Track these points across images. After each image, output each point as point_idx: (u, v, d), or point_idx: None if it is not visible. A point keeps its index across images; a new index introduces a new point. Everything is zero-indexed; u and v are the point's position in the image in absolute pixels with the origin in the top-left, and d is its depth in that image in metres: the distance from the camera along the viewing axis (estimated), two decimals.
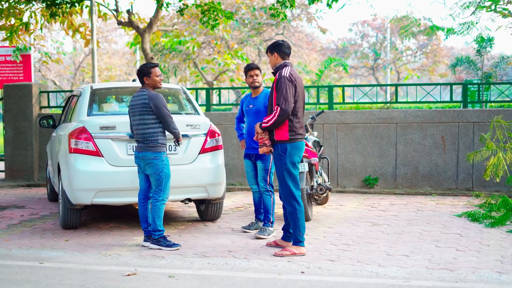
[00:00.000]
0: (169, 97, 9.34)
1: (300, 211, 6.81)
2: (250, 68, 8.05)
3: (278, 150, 6.83)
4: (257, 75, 8.03)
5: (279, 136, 6.79)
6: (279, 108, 6.66)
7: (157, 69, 7.39)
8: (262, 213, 8.14)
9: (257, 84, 8.04)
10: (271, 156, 7.90)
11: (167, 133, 7.37)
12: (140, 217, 7.45)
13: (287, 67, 6.89)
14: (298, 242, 6.86)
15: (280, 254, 6.81)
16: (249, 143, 8.07)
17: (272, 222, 7.98)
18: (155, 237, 7.24)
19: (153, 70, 7.31)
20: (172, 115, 7.40)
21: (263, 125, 6.82)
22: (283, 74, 6.78)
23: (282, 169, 6.81)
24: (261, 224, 8.11)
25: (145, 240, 7.42)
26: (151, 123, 7.20)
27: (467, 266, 6.24)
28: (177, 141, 7.42)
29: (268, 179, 8.00)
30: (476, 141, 10.98)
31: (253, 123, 7.92)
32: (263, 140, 6.90)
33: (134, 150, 7.84)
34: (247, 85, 23.95)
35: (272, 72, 7.04)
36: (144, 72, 7.30)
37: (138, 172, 7.43)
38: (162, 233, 7.25)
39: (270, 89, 7.20)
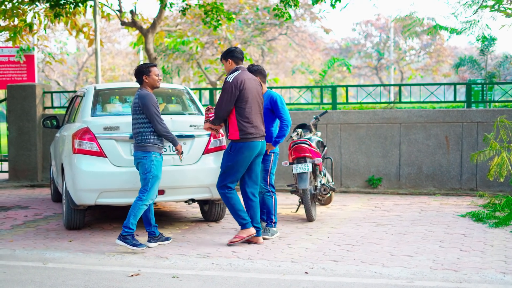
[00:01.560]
0: (172, 98, 9.34)
1: (232, 198, 7.35)
2: None
3: (229, 147, 7.38)
4: None
5: (231, 135, 7.32)
6: (214, 114, 7.36)
7: (156, 68, 7.39)
8: (265, 213, 8.14)
9: None
10: (271, 157, 7.92)
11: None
12: (143, 219, 7.45)
13: (236, 72, 7.33)
14: (243, 225, 7.36)
15: (232, 241, 7.35)
16: None
17: (275, 223, 7.97)
18: (123, 233, 7.14)
19: (152, 69, 7.30)
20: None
21: (209, 114, 7.49)
22: (226, 79, 7.29)
23: (226, 164, 7.36)
24: (264, 224, 8.11)
25: (148, 241, 7.42)
26: (141, 123, 7.20)
27: (471, 267, 6.23)
28: (176, 149, 7.36)
29: (268, 179, 7.99)
30: (480, 141, 10.96)
31: None
32: (208, 116, 7.49)
33: None
34: None
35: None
36: (143, 71, 7.28)
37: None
38: (132, 231, 7.15)
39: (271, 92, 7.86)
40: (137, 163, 7.27)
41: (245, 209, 7.53)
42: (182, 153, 7.44)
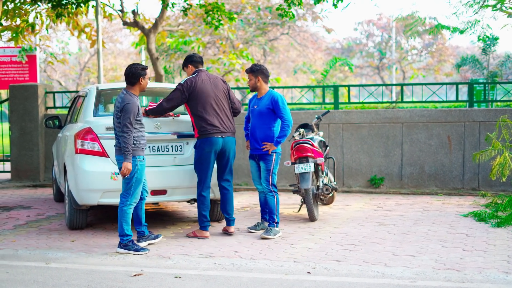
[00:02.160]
0: None
1: (201, 201, 7.83)
2: (246, 71, 8.24)
3: (195, 144, 7.90)
4: (249, 79, 8.11)
5: (195, 134, 7.85)
6: (161, 101, 7.90)
7: (148, 71, 7.33)
8: (267, 213, 8.15)
9: (249, 87, 8.17)
10: (273, 157, 7.93)
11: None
12: (134, 218, 7.41)
13: (193, 75, 7.91)
14: (201, 226, 7.87)
15: (189, 235, 7.91)
16: (253, 144, 8.10)
17: (277, 223, 7.98)
18: (123, 242, 7.11)
19: (147, 72, 7.24)
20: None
21: (146, 109, 8.01)
22: (181, 81, 7.90)
23: (194, 160, 7.88)
24: (267, 224, 8.12)
25: (137, 240, 7.40)
26: (119, 126, 7.06)
27: (473, 266, 6.23)
28: (123, 165, 6.98)
29: (270, 179, 8.00)
30: (482, 141, 10.95)
31: (256, 124, 8.07)
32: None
33: None
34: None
35: None
36: (141, 73, 7.15)
37: None
38: (130, 237, 7.13)
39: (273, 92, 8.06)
40: (120, 167, 7.13)
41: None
42: (124, 176, 7.01)
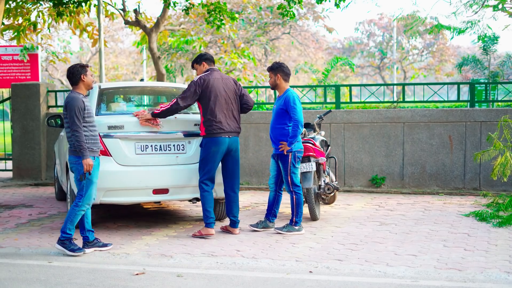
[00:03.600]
0: None
1: (204, 196, 7.83)
2: (267, 70, 8.26)
3: (201, 143, 7.94)
4: (270, 77, 8.13)
5: (201, 132, 7.87)
6: (175, 100, 7.82)
7: (89, 68, 7.26)
8: (271, 213, 8.19)
9: (270, 85, 8.19)
10: (290, 157, 7.93)
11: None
12: (78, 223, 7.30)
13: (206, 72, 7.95)
14: (206, 223, 7.83)
15: (195, 234, 7.84)
16: (272, 143, 8.13)
17: (296, 222, 7.97)
18: (61, 238, 7.05)
19: (87, 69, 7.17)
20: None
21: (155, 111, 7.90)
22: (194, 78, 7.92)
23: (199, 159, 7.89)
24: (269, 223, 8.17)
25: (83, 246, 7.24)
26: (68, 126, 7.02)
27: (475, 266, 6.24)
28: (83, 163, 6.90)
29: (289, 179, 7.97)
30: (484, 141, 10.96)
31: (272, 123, 8.13)
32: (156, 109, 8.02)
33: (141, 150, 7.92)
34: (253, 85, 23.93)
35: None
36: (81, 71, 7.08)
37: None
38: (70, 236, 7.04)
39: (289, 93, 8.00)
40: (71, 168, 7.10)
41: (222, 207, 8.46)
42: (87, 172, 6.94)
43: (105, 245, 7.28)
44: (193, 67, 8.27)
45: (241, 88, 8.12)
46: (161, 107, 7.92)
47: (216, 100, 7.79)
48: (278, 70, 8.04)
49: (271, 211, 8.23)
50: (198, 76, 7.91)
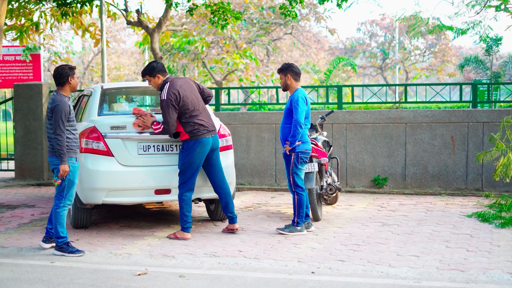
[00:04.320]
0: None
1: (183, 201, 7.76)
2: (277, 71, 8.22)
3: (182, 147, 7.83)
4: (281, 78, 8.12)
5: (182, 137, 7.79)
6: (162, 126, 7.74)
7: (76, 70, 7.27)
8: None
9: (281, 86, 8.16)
10: (292, 157, 7.92)
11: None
12: (49, 217, 7.30)
13: (167, 84, 7.74)
14: (182, 227, 7.81)
15: (169, 236, 7.83)
16: (282, 143, 8.14)
17: (298, 223, 7.93)
18: (58, 244, 7.06)
19: (75, 71, 7.18)
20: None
21: (153, 127, 7.83)
22: (162, 98, 7.68)
23: (182, 162, 7.77)
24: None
25: (43, 240, 7.29)
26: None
27: (477, 267, 6.24)
28: (60, 168, 6.94)
29: (291, 179, 7.97)
30: (486, 141, 10.95)
31: (281, 123, 8.13)
32: (154, 129, 7.89)
33: (144, 150, 7.92)
34: (255, 85, 23.91)
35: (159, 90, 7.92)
36: (69, 73, 7.07)
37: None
38: (66, 239, 7.06)
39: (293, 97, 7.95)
40: (53, 169, 7.08)
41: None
42: (62, 178, 7.00)
43: (72, 252, 7.06)
44: (144, 77, 7.98)
45: (199, 84, 8.15)
46: (154, 128, 7.82)
47: (190, 106, 7.74)
48: (287, 70, 8.02)
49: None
50: (165, 92, 7.66)
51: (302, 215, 7.96)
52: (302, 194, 7.98)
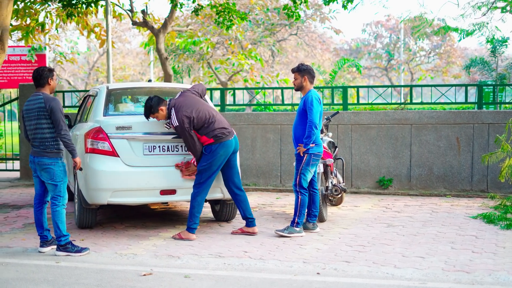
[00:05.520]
0: None
1: (196, 200, 7.76)
2: (292, 71, 8.18)
3: (204, 149, 7.79)
4: (295, 79, 8.07)
5: (205, 143, 7.78)
6: (191, 153, 7.84)
7: (55, 72, 7.28)
8: (310, 214, 8.23)
9: (295, 86, 8.13)
10: (304, 158, 7.88)
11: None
12: (35, 222, 7.29)
13: (172, 110, 7.71)
14: (188, 227, 7.80)
15: (174, 236, 7.82)
16: (294, 144, 8.13)
17: (297, 223, 7.91)
18: (61, 243, 7.05)
19: (54, 73, 7.19)
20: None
21: (194, 163, 7.92)
22: (174, 124, 7.69)
23: (202, 164, 7.77)
24: (308, 224, 8.19)
25: (41, 246, 7.26)
26: (47, 127, 7.01)
27: (483, 268, 6.22)
28: (74, 162, 7.15)
29: (297, 179, 7.93)
30: (491, 143, 10.93)
31: (294, 124, 8.12)
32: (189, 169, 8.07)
33: (149, 150, 7.92)
34: (261, 86, 23.88)
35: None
36: (48, 74, 7.10)
37: (33, 176, 7.29)
38: (68, 237, 7.08)
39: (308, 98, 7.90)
40: (42, 170, 7.06)
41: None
42: (81, 169, 7.35)
43: (78, 251, 7.11)
44: (148, 118, 7.90)
45: (193, 89, 8.12)
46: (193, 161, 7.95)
47: (206, 114, 7.77)
48: (305, 72, 8.00)
49: (309, 211, 8.21)
50: (175, 119, 7.65)
51: (303, 216, 7.95)
52: (305, 195, 7.95)
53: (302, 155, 7.90)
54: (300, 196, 7.94)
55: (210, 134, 7.74)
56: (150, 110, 7.80)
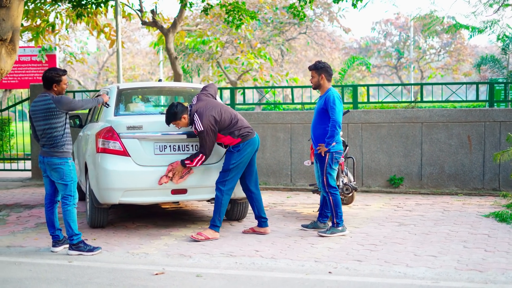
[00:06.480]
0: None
1: (224, 199, 7.73)
2: (309, 68, 8.14)
3: (231, 148, 7.81)
4: (312, 77, 8.03)
5: (232, 143, 7.80)
6: (203, 156, 7.70)
7: (65, 77, 7.29)
8: (322, 214, 8.21)
9: (312, 84, 8.09)
10: (326, 157, 7.81)
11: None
12: (47, 222, 7.32)
13: (195, 116, 7.65)
14: (214, 226, 7.73)
15: (195, 237, 7.61)
16: (313, 144, 8.10)
17: (337, 223, 7.85)
18: (73, 242, 7.06)
19: (63, 78, 7.17)
20: None
21: (187, 163, 7.74)
22: (199, 130, 7.63)
23: (231, 162, 7.76)
24: (320, 224, 8.18)
25: (53, 245, 7.27)
26: (57, 127, 7.03)
27: (496, 267, 6.19)
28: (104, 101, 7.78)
29: (324, 180, 7.85)
30: (503, 141, 10.88)
31: (313, 123, 8.07)
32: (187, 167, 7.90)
33: (160, 150, 7.92)
34: (270, 85, 23.85)
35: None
36: (55, 80, 7.10)
37: (43, 176, 7.31)
38: (80, 236, 7.09)
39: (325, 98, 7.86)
40: (51, 169, 7.08)
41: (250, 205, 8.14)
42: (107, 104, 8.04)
43: (90, 250, 7.12)
44: (169, 124, 7.85)
45: (207, 92, 8.12)
46: (194, 160, 7.75)
47: (229, 115, 7.80)
48: (322, 70, 7.94)
49: (322, 212, 8.20)
50: (200, 124, 7.59)
51: (341, 215, 7.87)
52: (337, 194, 7.88)
53: (323, 155, 7.86)
54: (331, 197, 7.84)
55: (235, 134, 7.74)
56: (173, 117, 7.72)
